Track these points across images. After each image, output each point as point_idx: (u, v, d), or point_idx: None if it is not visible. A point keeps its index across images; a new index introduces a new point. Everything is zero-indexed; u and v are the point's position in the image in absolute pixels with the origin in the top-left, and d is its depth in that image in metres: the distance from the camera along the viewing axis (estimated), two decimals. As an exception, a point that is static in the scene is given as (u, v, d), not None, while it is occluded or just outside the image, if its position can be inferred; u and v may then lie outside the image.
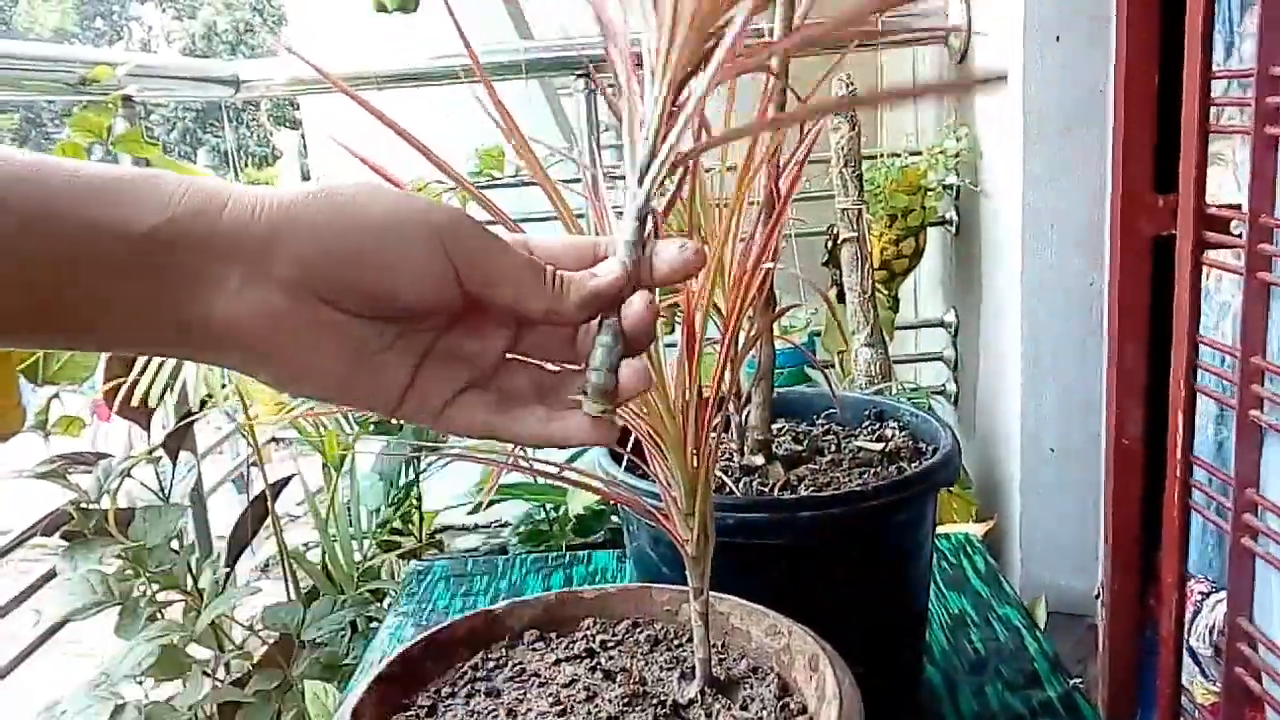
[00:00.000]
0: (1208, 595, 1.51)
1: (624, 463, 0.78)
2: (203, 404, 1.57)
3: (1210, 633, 1.48)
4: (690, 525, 0.61)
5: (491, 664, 0.65)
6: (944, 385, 2.18)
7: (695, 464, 0.60)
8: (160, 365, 1.30)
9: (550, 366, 0.46)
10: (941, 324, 2.16)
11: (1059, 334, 1.80)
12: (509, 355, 0.45)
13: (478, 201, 0.56)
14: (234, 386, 1.56)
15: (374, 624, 1.56)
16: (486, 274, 0.41)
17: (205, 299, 0.39)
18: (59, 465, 1.32)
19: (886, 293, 2.00)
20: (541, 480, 2.03)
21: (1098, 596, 1.84)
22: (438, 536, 2.04)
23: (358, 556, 1.72)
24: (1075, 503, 1.85)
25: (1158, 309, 1.64)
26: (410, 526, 1.89)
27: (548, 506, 1.97)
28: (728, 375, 0.78)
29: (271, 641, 1.53)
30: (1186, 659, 1.53)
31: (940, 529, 1.35)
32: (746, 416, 0.85)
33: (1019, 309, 1.80)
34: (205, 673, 1.47)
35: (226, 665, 1.49)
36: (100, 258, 0.37)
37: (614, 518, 1.92)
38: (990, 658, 0.93)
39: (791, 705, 0.59)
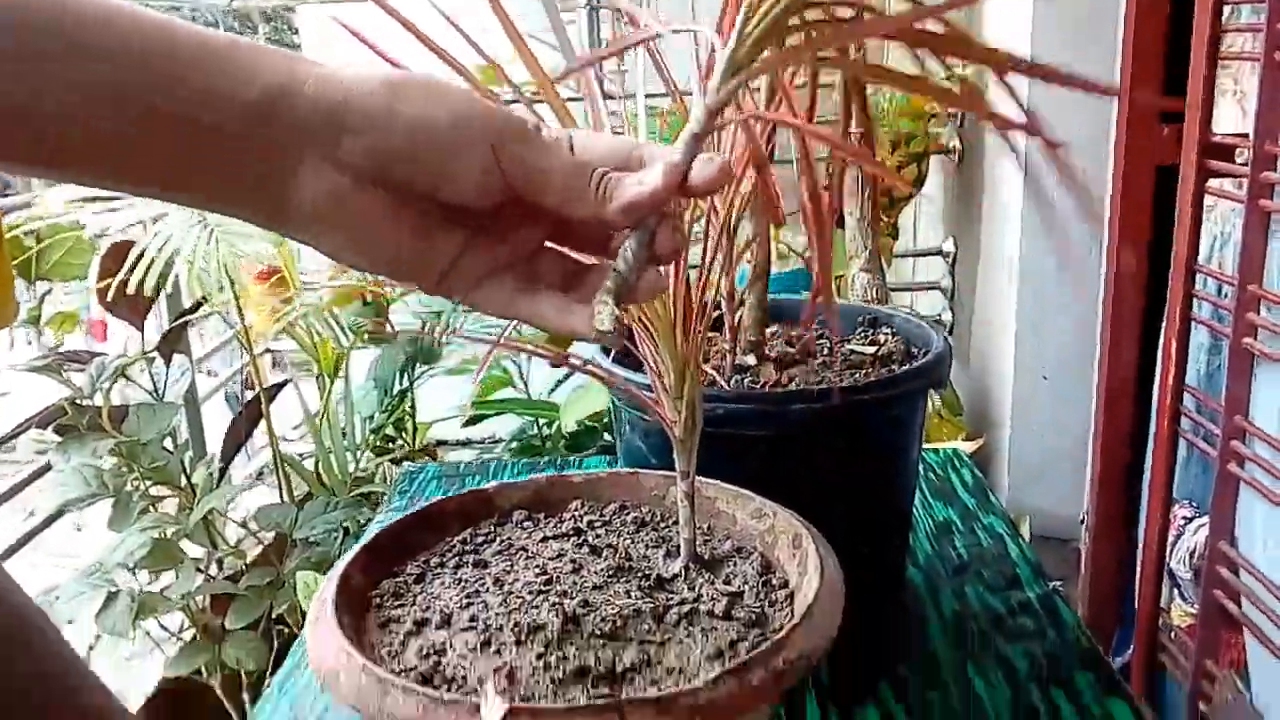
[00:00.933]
0: (1190, 520, 1.53)
1: (611, 356, 0.78)
2: (196, 306, 1.57)
3: (1191, 556, 1.51)
4: (679, 408, 0.61)
5: (480, 539, 0.66)
6: (939, 314, 2.18)
7: (684, 348, 0.60)
8: (152, 262, 1.30)
9: (582, 258, 0.48)
10: (940, 253, 2.15)
11: (1056, 263, 1.80)
12: (546, 244, 0.47)
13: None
14: (230, 292, 1.56)
15: (368, 525, 1.58)
16: (536, 179, 0.42)
17: (283, 174, 0.41)
18: (54, 360, 1.32)
19: (886, 220, 1.99)
20: (535, 395, 2.05)
21: (1082, 522, 1.87)
22: (431, 449, 2.05)
23: (351, 464, 1.73)
24: (1065, 430, 1.86)
25: (1156, 239, 1.63)
26: (404, 435, 1.90)
27: (541, 422, 1.98)
28: (717, 267, 0.78)
29: (265, 544, 1.54)
30: (1166, 582, 1.56)
31: (929, 445, 1.36)
32: (740, 318, 0.85)
33: (1018, 237, 1.80)
34: (199, 569, 1.49)
35: (219, 562, 1.51)
36: (212, 123, 0.40)
37: (606, 435, 1.93)
38: (973, 562, 0.94)
39: (774, 581, 0.60)
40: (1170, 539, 1.54)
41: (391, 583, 0.60)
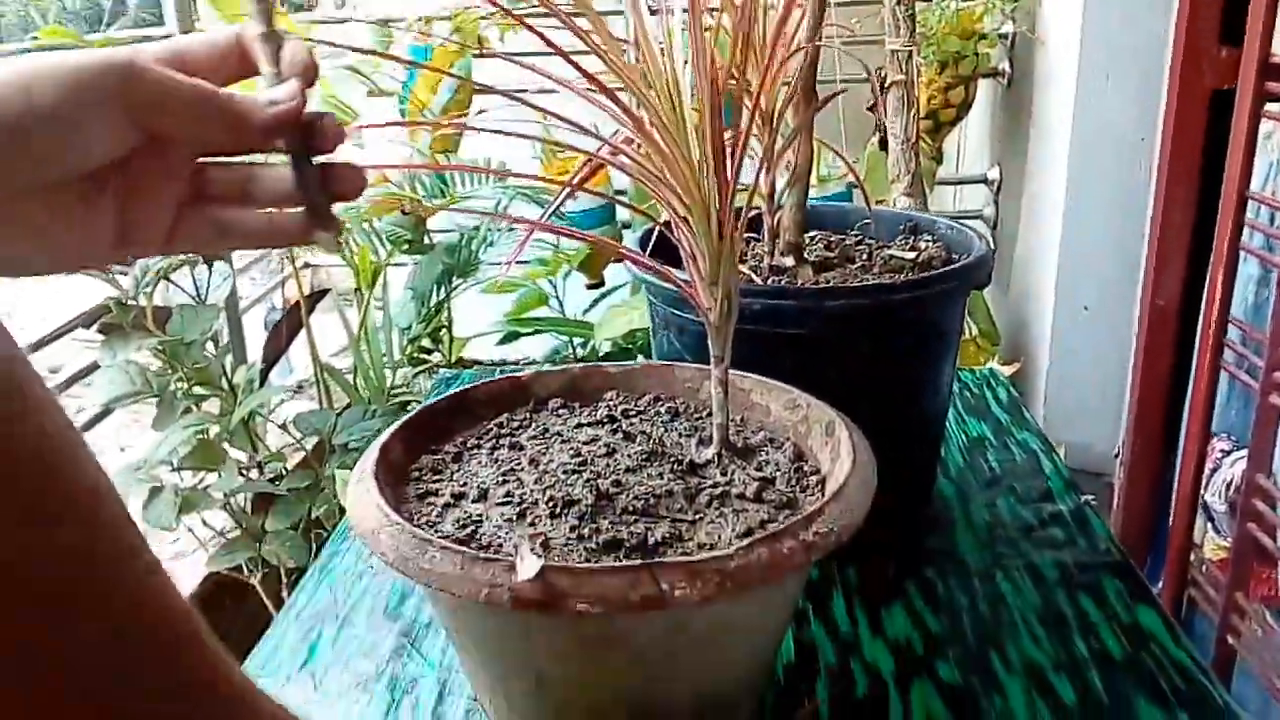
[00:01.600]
0: (1228, 453, 1.51)
1: (649, 248, 0.78)
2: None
3: (1227, 489, 1.50)
4: (714, 294, 0.61)
5: (515, 424, 0.67)
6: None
7: (720, 231, 0.60)
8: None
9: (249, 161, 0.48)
10: (984, 180, 2.12)
11: (1104, 191, 1.77)
12: (202, 160, 0.47)
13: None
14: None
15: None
16: (165, 121, 0.42)
17: None
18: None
19: (930, 143, 1.96)
20: (570, 315, 2.05)
21: (1117, 455, 1.86)
22: (466, 365, 2.07)
23: (389, 376, 1.75)
24: (1103, 362, 1.84)
25: (1208, 167, 1.59)
26: (440, 348, 1.92)
27: (575, 342, 1.99)
28: (759, 165, 0.77)
29: (307, 450, 1.57)
30: (1199, 515, 1.55)
31: (964, 367, 1.35)
32: (779, 219, 0.84)
33: (1065, 164, 1.76)
34: (242, 473, 1.53)
35: (260, 466, 1.54)
36: None
37: (641, 356, 1.94)
38: (1005, 476, 0.94)
39: (806, 468, 0.60)
40: (1207, 471, 1.53)
41: (430, 459, 0.62)
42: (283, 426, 1.55)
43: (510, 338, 2.03)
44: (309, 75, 0.45)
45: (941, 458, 0.95)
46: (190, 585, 1.59)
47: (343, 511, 1.41)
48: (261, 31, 0.45)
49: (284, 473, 1.55)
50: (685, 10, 0.62)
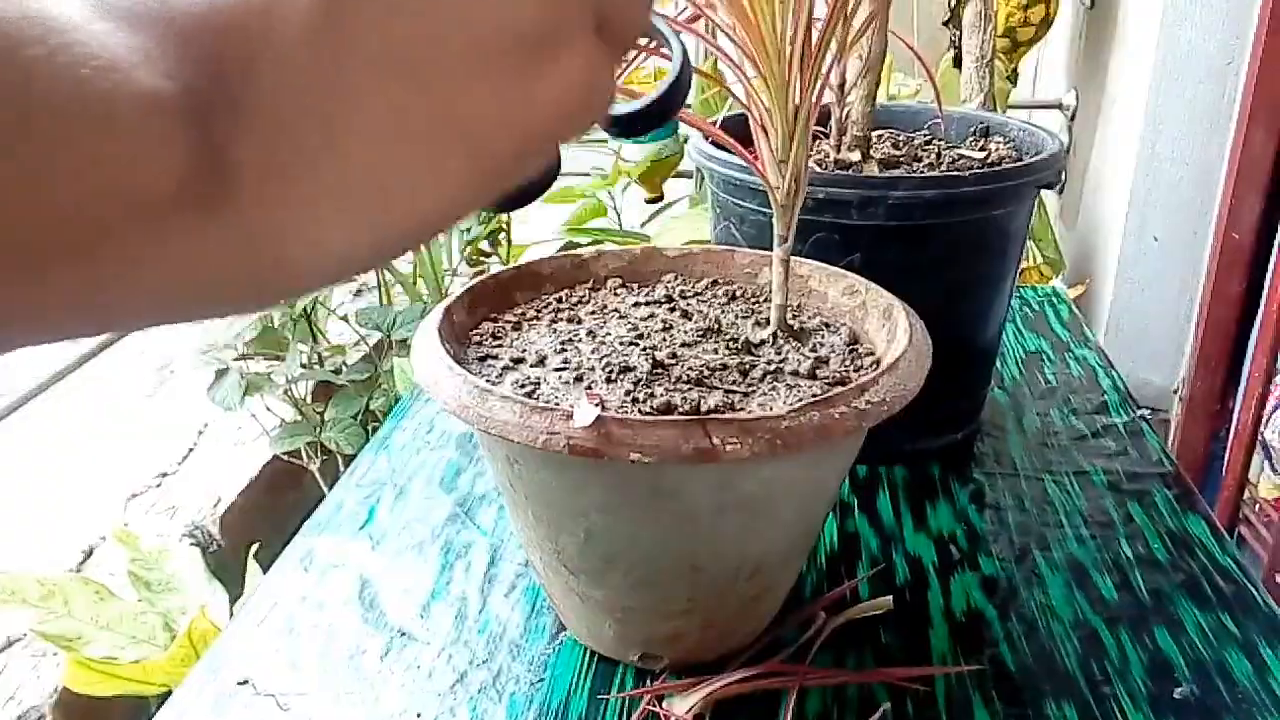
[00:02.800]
0: (1292, 391, 1.48)
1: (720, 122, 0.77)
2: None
3: (1287, 427, 1.47)
4: (782, 172, 0.61)
5: (575, 299, 0.68)
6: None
7: (795, 110, 0.59)
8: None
9: None
10: (1059, 106, 2.06)
11: (1185, 118, 1.71)
12: None
13: None
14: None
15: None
16: None
17: None
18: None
19: (1006, 63, 1.90)
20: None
21: (1176, 391, 1.83)
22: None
23: (448, 277, 1.77)
24: (1170, 296, 1.80)
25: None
26: (498, 251, 1.93)
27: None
28: (833, 51, 0.76)
29: (369, 347, 1.61)
30: (1256, 454, 1.52)
31: (1026, 284, 1.33)
32: (847, 113, 0.83)
33: (1147, 89, 1.70)
34: (303, 365, 1.56)
35: (320, 358, 1.58)
36: None
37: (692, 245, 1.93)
38: (1060, 388, 0.94)
39: (860, 350, 0.61)
40: (1269, 409, 1.50)
41: (491, 325, 0.63)
42: (344, 319, 1.58)
43: (568, 247, 2.03)
44: None
45: (997, 369, 0.94)
46: (253, 469, 1.65)
47: (400, 401, 1.44)
48: None
49: (344, 366, 1.58)
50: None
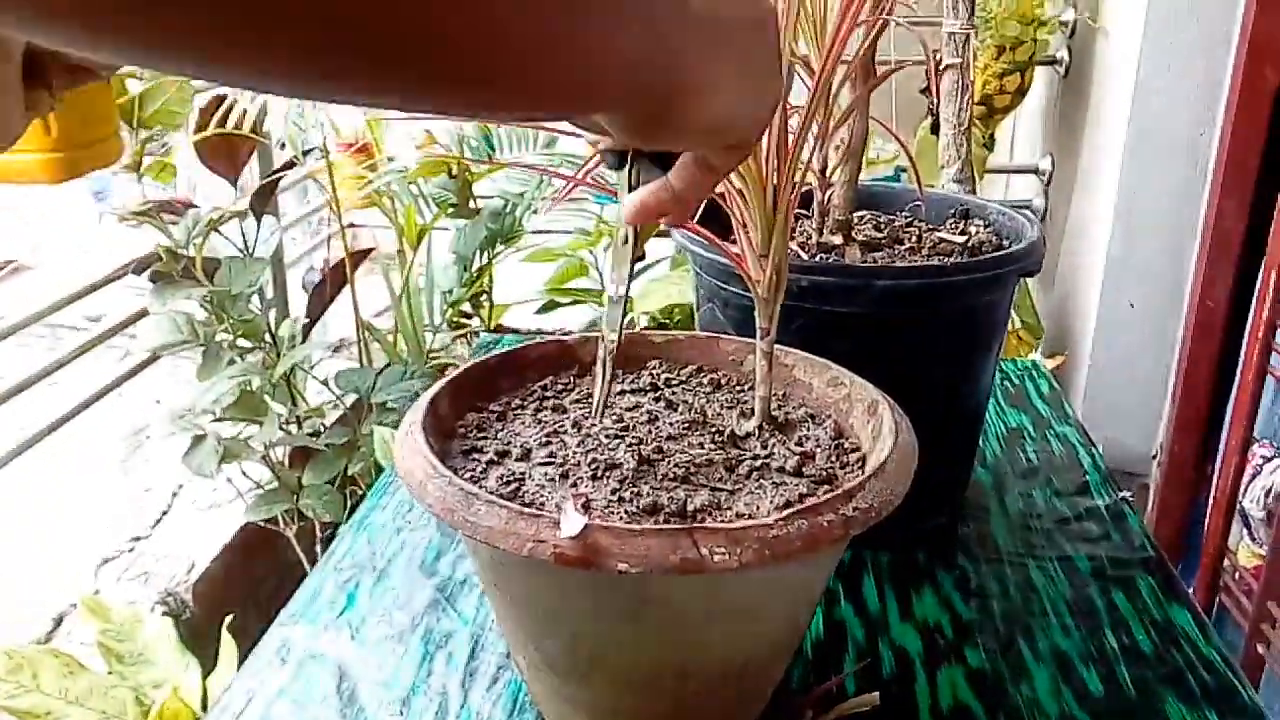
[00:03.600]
0: (1269, 459, 1.49)
1: (696, 216, 0.78)
2: (289, 165, 1.59)
3: (1266, 496, 1.48)
4: (764, 266, 0.61)
5: (560, 387, 0.67)
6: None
7: (774, 206, 0.60)
8: (244, 112, 1.32)
9: None
10: (1035, 171, 2.09)
11: (1158, 187, 1.74)
12: None
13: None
14: (324, 145, 1.58)
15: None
16: None
17: None
18: (151, 208, 1.36)
19: (983, 130, 1.93)
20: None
21: (1154, 456, 1.84)
22: (503, 331, 2.08)
23: (429, 337, 1.77)
24: (1146, 362, 1.82)
25: (1265, 168, 1.57)
26: (480, 312, 1.93)
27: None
28: (814, 137, 0.77)
29: (345, 408, 1.60)
30: (1235, 521, 1.53)
31: (1007, 357, 1.34)
32: (829, 196, 0.84)
33: (1120, 157, 1.73)
34: (282, 428, 1.55)
35: (299, 421, 1.57)
36: None
37: (678, 332, 1.94)
38: (1042, 467, 0.94)
39: (846, 445, 0.60)
40: (1246, 477, 1.51)
41: (475, 416, 0.63)
42: (324, 383, 1.57)
43: (549, 307, 2.04)
44: None
45: (979, 446, 0.95)
46: (227, 534, 1.62)
47: (378, 469, 1.43)
48: None
49: (322, 429, 1.57)
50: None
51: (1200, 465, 1.76)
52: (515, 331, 2.41)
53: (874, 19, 0.67)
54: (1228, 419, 1.52)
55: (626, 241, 0.51)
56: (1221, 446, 1.55)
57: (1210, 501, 1.57)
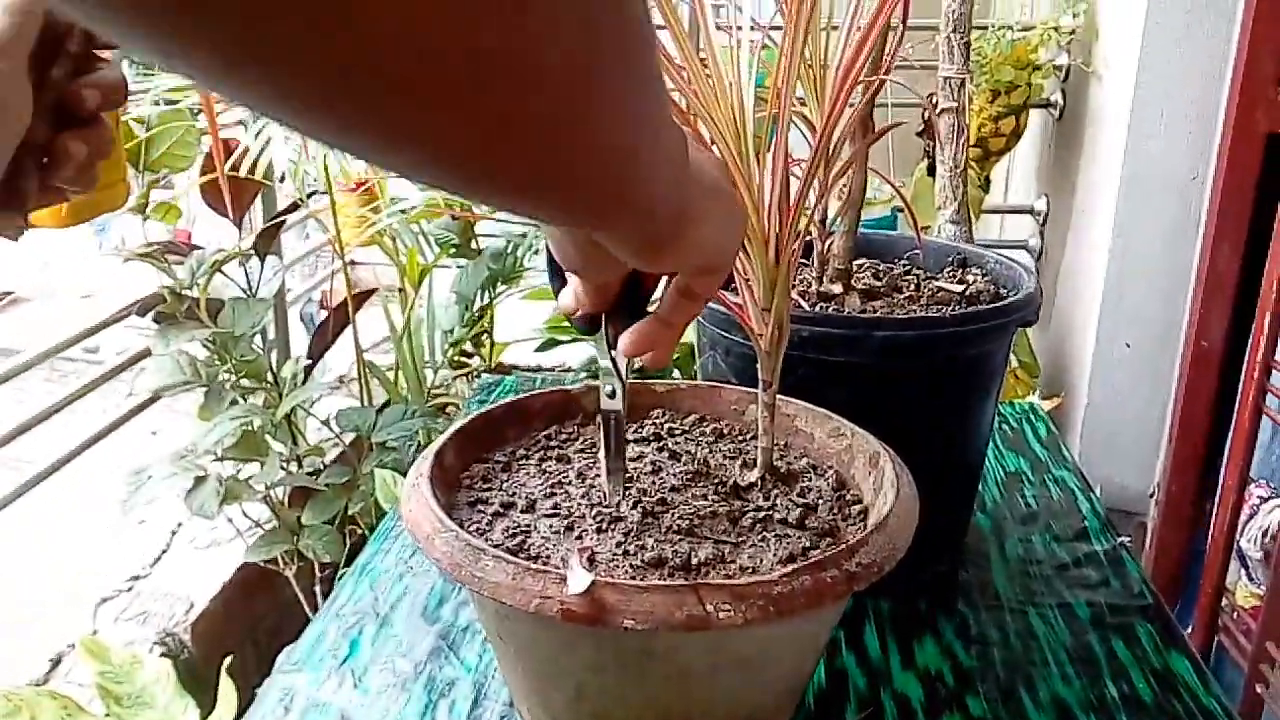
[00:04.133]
0: (1266, 500, 1.50)
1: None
2: (293, 207, 1.61)
3: (1264, 536, 1.48)
4: (766, 320, 0.62)
5: (564, 436, 0.68)
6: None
7: (776, 260, 0.61)
8: (258, 155, 1.34)
9: None
10: (1030, 211, 2.11)
11: (1152, 228, 1.75)
12: None
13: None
14: (327, 186, 1.60)
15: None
16: None
17: None
18: (156, 249, 1.38)
19: (979, 172, 1.95)
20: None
21: (1152, 495, 1.84)
22: (505, 370, 2.09)
23: (429, 376, 1.78)
24: (1143, 401, 1.83)
25: (1259, 210, 1.58)
26: (481, 351, 1.94)
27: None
28: (815, 194, 0.78)
29: (345, 446, 1.60)
30: (1234, 561, 1.53)
31: (1004, 401, 1.35)
32: (829, 246, 0.85)
33: (1115, 199, 1.75)
34: (282, 466, 1.55)
35: (299, 460, 1.57)
36: None
37: (676, 372, 1.95)
38: (1041, 512, 0.94)
39: (848, 497, 0.61)
40: (1243, 517, 1.52)
41: (481, 467, 0.63)
42: (325, 422, 1.58)
43: (549, 345, 2.04)
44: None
45: (979, 491, 0.95)
46: (226, 573, 1.62)
47: (379, 509, 1.43)
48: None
49: (322, 467, 1.57)
50: (754, 32, 0.63)
51: (1198, 504, 1.76)
52: (516, 368, 2.42)
53: (873, 79, 0.68)
54: (1224, 459, 1.53)
55: (613, 395, 0.57)
56: (1219, 487, 1.56)
57: (1208, 541, 1.57)
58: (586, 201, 0.32)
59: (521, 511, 0.58)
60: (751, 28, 0.71)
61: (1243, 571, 1.55)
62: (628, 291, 0.52)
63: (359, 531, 1.57)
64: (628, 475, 0.62)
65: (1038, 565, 0.86)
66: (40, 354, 1.36)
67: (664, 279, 0.52)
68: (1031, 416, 1.15)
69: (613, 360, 0.55)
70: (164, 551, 1.69)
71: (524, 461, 0.65)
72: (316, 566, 1.54)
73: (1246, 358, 1.48)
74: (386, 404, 1.75)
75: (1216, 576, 1.53)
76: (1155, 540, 1.81)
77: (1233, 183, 1.58)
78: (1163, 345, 1.78)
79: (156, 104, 1.31)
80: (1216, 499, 1.56)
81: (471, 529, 0.56)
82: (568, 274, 0.51)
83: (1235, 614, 1.54)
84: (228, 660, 1.25)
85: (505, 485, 0.61)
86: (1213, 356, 1.67)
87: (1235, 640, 1.52)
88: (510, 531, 0.56)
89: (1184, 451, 1.73)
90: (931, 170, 1.85)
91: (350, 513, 1.52)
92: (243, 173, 1.32)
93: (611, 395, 0.57)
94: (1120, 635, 0.76)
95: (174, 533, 1.77)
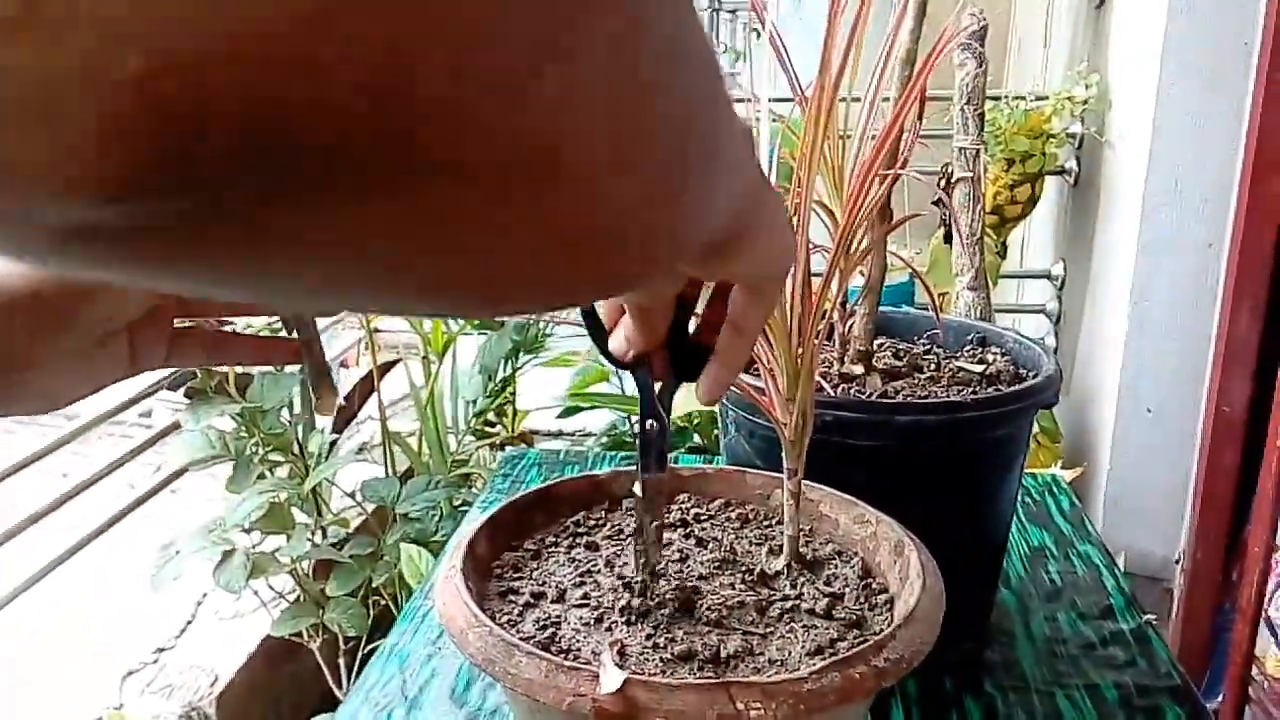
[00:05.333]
0: (1294, 568, 1.49)
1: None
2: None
3: (1292, 604, 1.47)
4: (790, 410, 0.63)
5: (592, 523, 0.69)
6: (1043, 339, 2.15)
7: (800, 352, 0.62)
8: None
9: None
10: (1048, 276, 2.12)
11: (1170, 295, 1.76)
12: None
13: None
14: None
15: (462, 507, 1.63)
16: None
17: None
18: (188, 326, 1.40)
19: (995, 238, 1.97)
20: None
21: (1178, 562, 1.83)
22: (527, 437, 2.11)
23: (452, 444, 1.79)
24: (1166, 467, 1.82)
25: (1277, 276, 1.59)
26: (504, 420, 1.96)
27: (633, 418, 2.02)
28: (835, 282, 0.80)
29: (368, 514, 1.61)
30: (1262, 630, 1.52)
31: (1027, 470, 1.35)
32: (850, 327, 0.87)
33: (1132, 266, 1.76)
34: (308, 537, 1.57)
35: (323, 530, 1.58)
36: None
37: (696, 436, 1.96)
38: (1066, 589, 0.94)
39: (874, 585, 0.62)
40: (1272, 585, 1.50)
41: (511, 555, 0.64)
42: (350, 494, 1.59)
43: (571, 411, 2.06)
44: None
45: (1003, 567, 0.95)
46: (251, 644, 1.63)
47: (402, 581, 1.44)
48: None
49: (346, 537, 1.59)
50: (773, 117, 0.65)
51: (1225, 570, 1.75)
52: (537, 433, 2.44)
53: (890, 172, 0.70)
54: (1250, 526, 1.52)
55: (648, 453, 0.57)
56: (1245, 554, 1.54)
57: (1236, 610, 1.56)
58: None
59: (552, 602, 0.59)
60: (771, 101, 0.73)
61: (1273, 640, 1.53)
62: (674, 324, 0.49)
63: (382, 603, 1.58)
64: (657, 564, 0.62)
65: (1064, 645, 0.86)
66: (71, 432, 1.38)
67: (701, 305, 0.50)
68: (1054, 489, 1.16)
69: (658, 398, 0.54)
70: (189, 622, 1.70)
71: (553, 549, 0.66)
72: (340, 639, 1.55)
73: (1270, 422, 1.48)
74: (409, 472, 1.77)
75: (1245, 646, 1.51)
76: (1182, 608, 1.79)
77: (1249, 251, 1.59)
78: (1185, 410, 1.78)
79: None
80: (1242, 566, 1.55)
81: (503, 620, 0.57)
82: (610, 316, 0.50)
83: (1266, 684, 1.52)
84: (253, 735, 1.26)
85: (535, 574, 0.63)
86: (1235, 421, 1.67)
87: (1267, 710, 1.49)
88: (541, 623, 0.57)
89: (1209, 518, 1.72)
90: (948, 238, 1.88)
91: (374, 584, 1.53)
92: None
93: (645, 467, 0.57)
94: (1148, 718, 0.76)
95: (199, 603, 1.78)
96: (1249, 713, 1.53)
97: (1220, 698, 1.57)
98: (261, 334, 0.57)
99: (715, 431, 1.84)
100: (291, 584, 1.60)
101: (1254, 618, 1.50)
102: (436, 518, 1.57)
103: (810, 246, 0.64)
